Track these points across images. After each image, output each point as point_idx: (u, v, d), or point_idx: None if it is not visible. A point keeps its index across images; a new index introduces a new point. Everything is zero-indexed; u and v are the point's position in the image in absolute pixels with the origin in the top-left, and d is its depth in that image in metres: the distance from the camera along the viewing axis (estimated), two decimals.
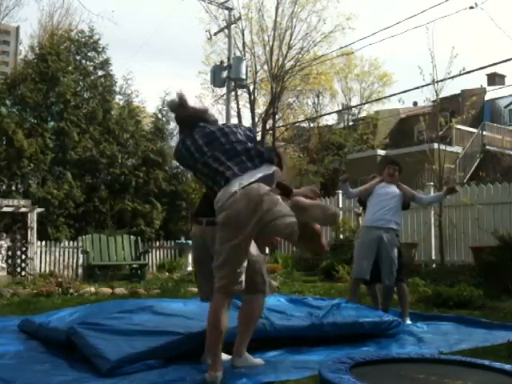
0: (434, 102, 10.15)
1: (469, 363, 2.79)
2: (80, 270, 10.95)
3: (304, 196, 3.05)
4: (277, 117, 17.21)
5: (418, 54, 28.04)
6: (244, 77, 16.17)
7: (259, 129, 18.22)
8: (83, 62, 13.85)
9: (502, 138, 20.29)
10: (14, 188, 11.96)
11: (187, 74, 74.59)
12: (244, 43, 18.12)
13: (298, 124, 20.64)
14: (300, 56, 17.62)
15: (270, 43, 17.52)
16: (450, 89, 25.28)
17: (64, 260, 11.37)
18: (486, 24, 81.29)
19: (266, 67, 17.83)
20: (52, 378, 3.05)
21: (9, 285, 8.58)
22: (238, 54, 17.34)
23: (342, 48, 16.91)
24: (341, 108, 22.17)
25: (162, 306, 4.34)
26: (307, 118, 20.71)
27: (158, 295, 7.36)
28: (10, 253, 10.13)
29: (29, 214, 10.35)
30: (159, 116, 14.47)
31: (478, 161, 18.56)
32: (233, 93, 17.44)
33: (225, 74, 16.36)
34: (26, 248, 10.30)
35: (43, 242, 11.16)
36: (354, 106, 21.98)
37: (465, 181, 15.21)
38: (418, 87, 10.60)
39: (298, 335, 4.09)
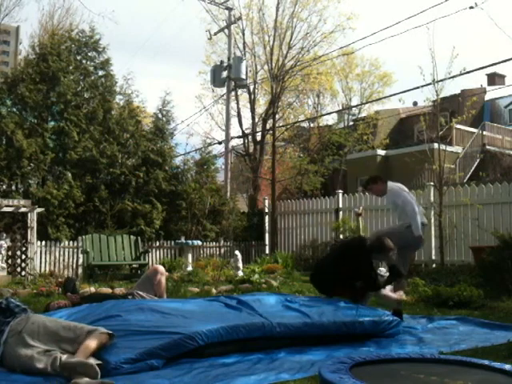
0: (434, 102, 10.15)
1: (469, 363, 2.78)
2: (80, 270, 10.95)
3: None
4: (277, 117, 17.18)
5: (419, 54, 28.09)
6: (244, 77, 16.19)
7: (259, 129, 18.21)
8: (84, 61, 13.80)
9: (502, 138, 20.29)
10: (14, 188, 11.92)
11: (187, 74, 74.73)
12: (244, 43, 18.13)
13: (298, 124, 20.63)
14: (300, 56, 17.61)
15: (271, 43, 17.52)
16: (450, 89, 25.31)
17: (64, 260, 11.37)
18: (486, 24, 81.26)
19: (266, 67, 17.83)
20: (52, 379, 3.05)
21: (9, 285, 8.58)
22: (238, 53, 17.35)
23: (342, 48, 16.93)
24: (341, 108, 22.17)
25: (161, 306, 4.34)
26: (307, 118, 20.71)
27: None
28: (10, 253, 10.14)
29: (29, 214, 10.35)
30: (159, 116, 14.43)
31: (477, 161, 18.56)
32: (233, 93, 17.45)
33: (225, 73, 16.38)
34: (26, 248, 10.30)
35: (43, 242, 11.15)
36: (354, 106, 22.00)
37: (465, 181, 15.20)
38: (418, 87, 10.61)
39: (297, 334, 4.09)
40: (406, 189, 6.02)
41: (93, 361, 3.16)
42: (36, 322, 3.36)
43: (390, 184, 5.92)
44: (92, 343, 3.22)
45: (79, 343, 3.22)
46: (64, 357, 3.14)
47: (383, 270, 7.46)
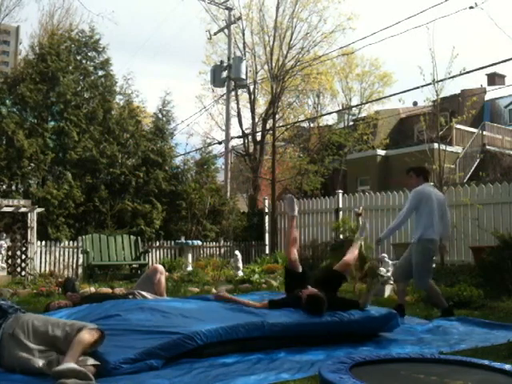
0: (434, 102, 10.15)
1: (469, 363, 2.78)
2: (80, 270, 10.96)
3: None
4: (277, 117, 17.18)
5: (419, 54, 28.11)
6: (244, 77, 16.19)
7: (259, 129, 18.20)
8: (83, 61, 13.80)
9: (502, 138, 20.28)
10: (14, 188, 11.92)
11: (187, 73, 74.77)
12: (244, 43, 18.12)
13: (298, 124, 20.63)
14: (300, 56, 17.61)
15: (271, 43, 17.51)
16: (450, 89, 25.33)
17: (64, 260, 11.37)
18: (486, 24, 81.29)
19: (266, 67, 17.83)
20: (52, 379, 3.04)
21: (9, 285, 8.58)
22: (238, 53, 17.34)
23: (342, 48, 16.94)
24: (341, 108, 22.17)
25: (161, 306, 4.34)
26: (307, 118, 20.70)
27: None
28: (10, 253, 10.13)
29: (29, 214, 10.35)
30: (159, 116, 14.44)
31: (477, 161, 18.56)
32: (233, 93, 17.45)
33: (225, 73, 16.38)
34: (26, 248, 10.30)
35: (43, 242, 11.15)
36: (354, 106, 21.99)
37: (465, 181, 15.20)
38: (418, 87, 10.60)
39: (296, 333, 4.09)
40: (433, 196, 5.82)
41: (91, 361, 3.14)
42: (25, 322, 3.31)
43: (420, 187, 5.86)
44: (82, 340, 3.14)
45: (70, 341, 3.15)
46: (60, 358, 3.12)
47: (383, 270, 7.45)
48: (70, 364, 2.96)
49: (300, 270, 4.90)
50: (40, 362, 3.14)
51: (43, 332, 3.25)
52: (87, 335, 3.19)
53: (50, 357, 3.17)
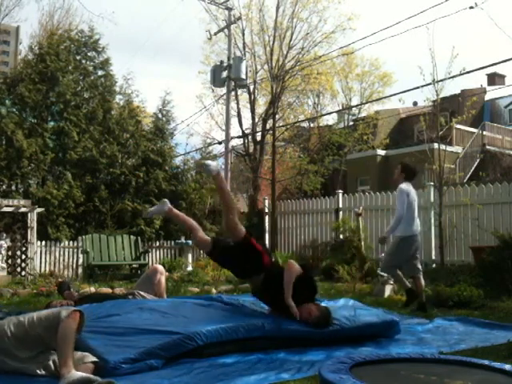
0: (434, 102, 10.14)
1: (469, 363, 2.78)
2: (80, 270, 10.96)
3: None
4: (277, 117, 17.16)
5: (419, 54, 28.11)
6: (244, 77, 16.16)
7: (259, 129, 18.20)
8: (83, 61, 13.82)
9: (502, 138, 20.28)
10: (14, 188, 11.93)
11: (187, 74, 74.83)
12: (244, 43, 18.11)
13: (298, 124, 20.61)
14: (300, 56, 17.60)
15: (271, 43, 17.50)
16: (450, 89, 25.33)
17: (64, 260, 11.37)
18: (486, 24, 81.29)
19: (266, 67, 17.81)
20: (51, 380, 3.04)
21: (9, 285, 8.58)
22: (238, 53, 17.33)
23: (342, 48, 16.91)
24: (341, 108, 22.16)
25: (160, 306, 4.34)
26: (307, 118, 20.69)
27: None
28: (10, 253, 10.13)
29: (29, 214, 10.35)
30: (159, 116, 14.45)
31: (477, 161, 18.56)
32: (233, 93, 17.44)
33: (225, 73, 16.36)
34: (26, 248, 10.30)
35: (43, 242, 11.16)
36: (354, 106, 21.97)
37: (465, 181, 15.20)
38: (418, 87, 10.58)
39: (297, 337, 4.08)
40: (412, 194, 6.13)
41: (90, 358, 3.12)
42: (3, 332, 3.13)
43: (403, 185, 6.14)
44: (68, 330, 2.98)
45: (56, 331, 2.99)
46: (53, 358, 3.09)
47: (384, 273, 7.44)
48: (68, 377, 2.81)
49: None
50: (37, 370, 3.08)
51: (23, 336, 3.12)
52: (70, 321, 3.01)
53: (44, 361, 3.11)
